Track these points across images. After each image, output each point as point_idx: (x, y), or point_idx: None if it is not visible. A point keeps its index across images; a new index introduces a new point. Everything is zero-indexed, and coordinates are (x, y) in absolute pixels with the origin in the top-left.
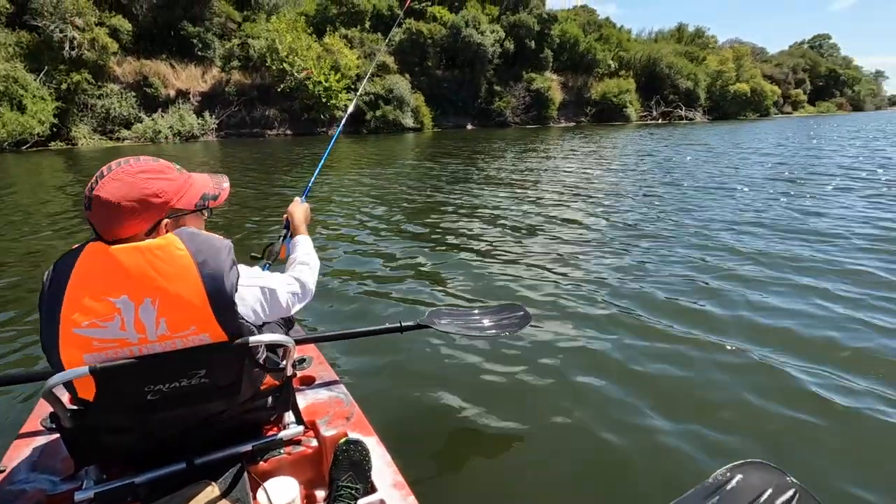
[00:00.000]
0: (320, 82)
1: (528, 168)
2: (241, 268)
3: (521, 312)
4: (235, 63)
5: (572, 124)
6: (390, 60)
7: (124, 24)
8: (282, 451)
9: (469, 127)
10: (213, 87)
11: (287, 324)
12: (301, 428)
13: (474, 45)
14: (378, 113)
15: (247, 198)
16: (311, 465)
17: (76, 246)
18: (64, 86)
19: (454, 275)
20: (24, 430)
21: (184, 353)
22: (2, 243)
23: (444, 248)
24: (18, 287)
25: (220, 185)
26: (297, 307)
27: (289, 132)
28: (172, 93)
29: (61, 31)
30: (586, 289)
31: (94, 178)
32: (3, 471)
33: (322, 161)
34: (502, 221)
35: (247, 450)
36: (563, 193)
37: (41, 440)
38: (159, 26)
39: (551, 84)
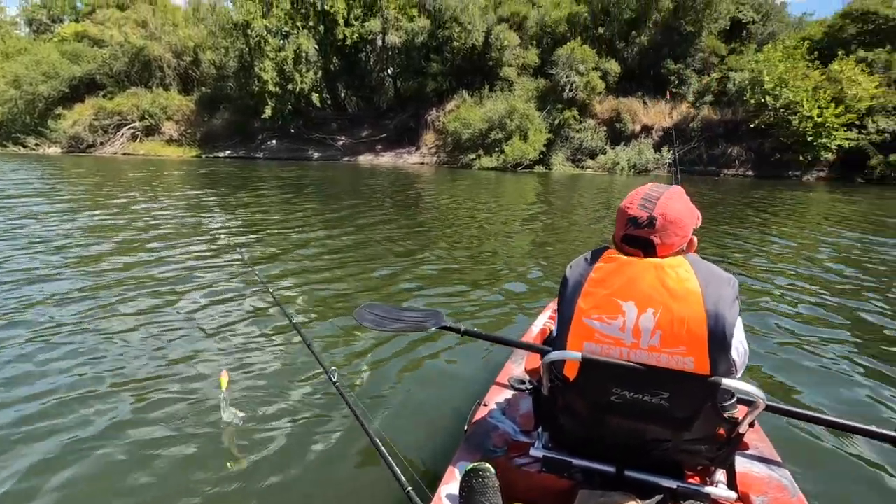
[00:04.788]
0: (810, 117)
1: None
2: None
3: None
4: (708, 98)
5: None
6: None
7: (614, 67)
8: None
9: None
10: (678, 122)
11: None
12: (734, 495)
13: None
14: (893, 158)
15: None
16: None
17: (592, 251)
18: (557, 121)
19: None
20: (497, 380)
21: (657, 370)
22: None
23: None
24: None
25: (696, 210)
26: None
27: (749, 173)
28: (638, 128)
29: (567, 77)
30: None
31: (634, 201)
32: (486, 405)
33: None
34: None
35: (671, 486)
36: None
37: (508, 393)
38: (642, 67)
39: None
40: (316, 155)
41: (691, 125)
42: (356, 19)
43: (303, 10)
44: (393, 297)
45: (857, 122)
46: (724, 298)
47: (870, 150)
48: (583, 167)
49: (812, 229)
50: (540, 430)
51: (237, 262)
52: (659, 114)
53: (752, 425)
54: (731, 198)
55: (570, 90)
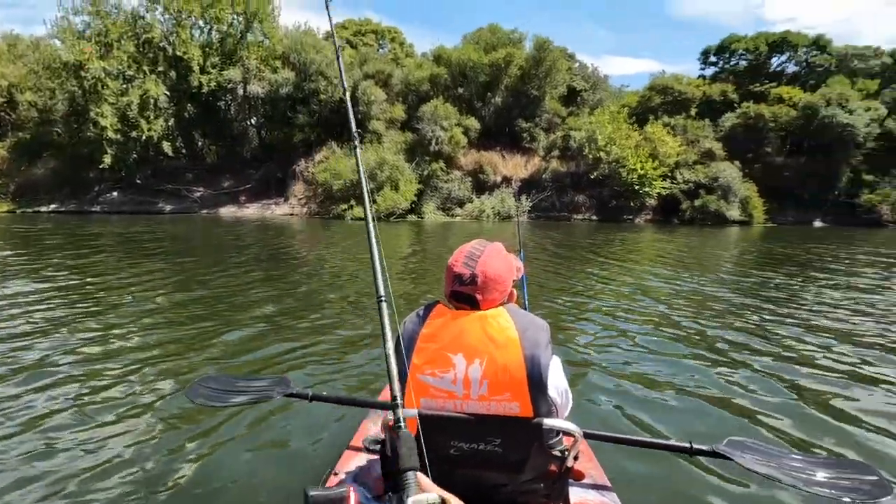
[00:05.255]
0: (635, 170)
1: None
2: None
3: (874, 477)
4: (555, 153)
5: None
6: (717, 147)
7: (474, 124)
8: None
9: (817, 224)
10: (532, 173)
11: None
12: None
13: (837, 126)
14: (697, 203)
15: (548, 279)
16: None
17: (424, 306)
18: (425, 172)
19: (763, 405)
20: (352, 443)
21: (487, 419)
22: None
23: (752, 372)
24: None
25: (517, 259)
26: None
27: (594, 217)
28: (499, 178)
29: (432, 132)
30: None
31: (459, 260)
32: (337, 474)
33: None
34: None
35: None
36: None
37: (362, 457)
38: (498, 125)
39: None
40: (168, 208)
41: (543, 176)
42: (213, 67)
43: (150, 55)
44: (229, 362)
45: (669, 174)
46: (540, 343)
47: (680, 197)
48: (453, 215)
49: (633, 266)
50: (390, 493)
51: (19, 337)
52: (516, 166)
53: (576, 458)
54: (571, 240)
55: (436, 143)
